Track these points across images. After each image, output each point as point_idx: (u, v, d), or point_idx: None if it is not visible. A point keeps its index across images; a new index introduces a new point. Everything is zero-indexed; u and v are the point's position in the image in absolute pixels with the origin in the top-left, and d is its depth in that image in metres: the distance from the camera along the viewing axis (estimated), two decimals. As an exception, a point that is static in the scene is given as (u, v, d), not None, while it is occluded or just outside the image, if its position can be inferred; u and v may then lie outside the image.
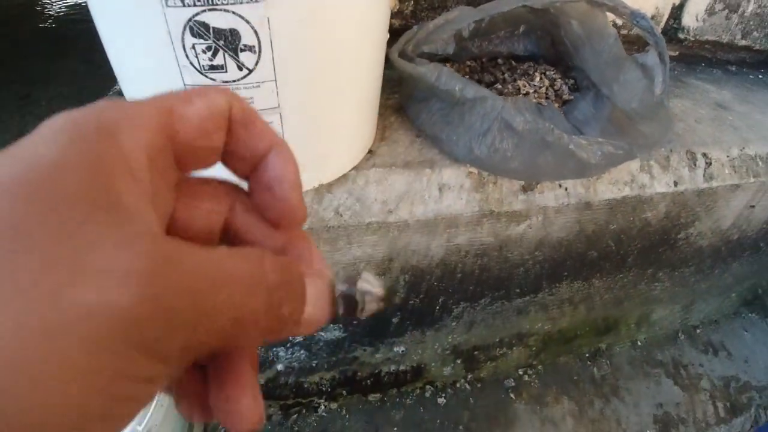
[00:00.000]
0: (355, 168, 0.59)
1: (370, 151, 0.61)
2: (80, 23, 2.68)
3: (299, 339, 0.74)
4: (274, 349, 0.75)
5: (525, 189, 0.63)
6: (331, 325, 0.72)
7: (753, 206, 0.81)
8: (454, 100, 0.58)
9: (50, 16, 2.77)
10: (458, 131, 0.60)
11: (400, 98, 0.69)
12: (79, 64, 2.35)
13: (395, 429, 0.91)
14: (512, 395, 0.96)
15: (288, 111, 0.45)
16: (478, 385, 0.97)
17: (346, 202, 0.57)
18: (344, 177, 0.58)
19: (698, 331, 1.10)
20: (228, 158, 0.18)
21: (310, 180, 0.55)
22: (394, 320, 0.74)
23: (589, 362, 1.01)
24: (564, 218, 0.66)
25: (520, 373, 0.99)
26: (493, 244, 0.66)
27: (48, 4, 2.87)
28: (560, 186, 0.64)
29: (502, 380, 0.97)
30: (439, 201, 0.60)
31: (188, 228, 0.18)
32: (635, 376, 1.01)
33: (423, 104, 0.63)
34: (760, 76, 0.99)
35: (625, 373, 1.01)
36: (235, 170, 0.19)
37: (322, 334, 0.74)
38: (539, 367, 0.99)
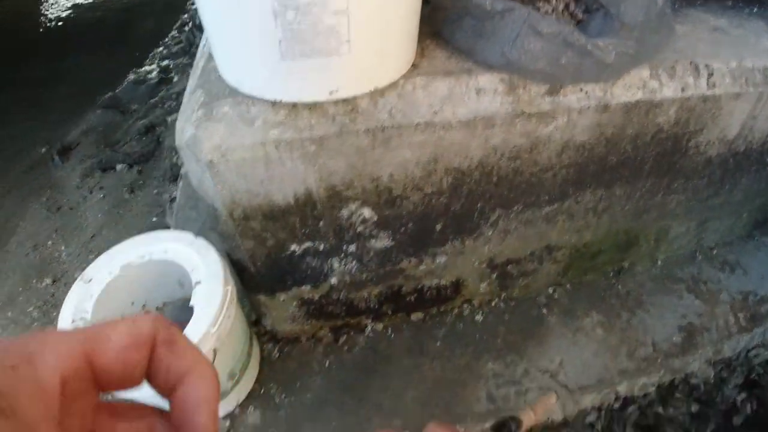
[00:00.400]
0: (402, 77, 0.68)
1: (413, 65, 0.71)
2: (84, 20, 2.69)
3: (352, 249, 0.83)
4: (329, 260, 0.84)
5: (551, 92, 0.72)
6: (381, 233, 0.82)
7: (755, 117, 0.89)
8: (485, 15, 0.68)
9: (54, 15, 2.76)
10: (490, 42, 0.69)
11: (433, 25, 0.78)
12: (85, 62, 2.32)
13: (438, 343, 1.00)
14: (544, 311, 1.04)
15: (353, 14, 0.55)
16: (512, 304, 1.05)
17: (398, 104, 0.67)
18: (394, 84, 0.68)
19: (714, 251, 1.18)
20: (152, 377, 0.19)
21: (367, 84, 0.64)
22: (438, 227, 0.83)
23: (613, 280, 1.10)
24: (586, 120, 0.75)
25: (550, 291, 1.07)
26: (525, 146, 0.75)
27: (51, 3, 2.87)
28: (581, 90, 0.73)
29: (534, 298, 1.06)
30: (477, 102, 0.69)
31: None
32: (658, 291, 1.09)
33: (456, 24, 0.73)
34: (755, 11, 1.07)
35: (648, 289, 1.09)
36: (157, 388, 0.20)
37: (374, 242, 0.83)
38: (567, 285, 1.08)
